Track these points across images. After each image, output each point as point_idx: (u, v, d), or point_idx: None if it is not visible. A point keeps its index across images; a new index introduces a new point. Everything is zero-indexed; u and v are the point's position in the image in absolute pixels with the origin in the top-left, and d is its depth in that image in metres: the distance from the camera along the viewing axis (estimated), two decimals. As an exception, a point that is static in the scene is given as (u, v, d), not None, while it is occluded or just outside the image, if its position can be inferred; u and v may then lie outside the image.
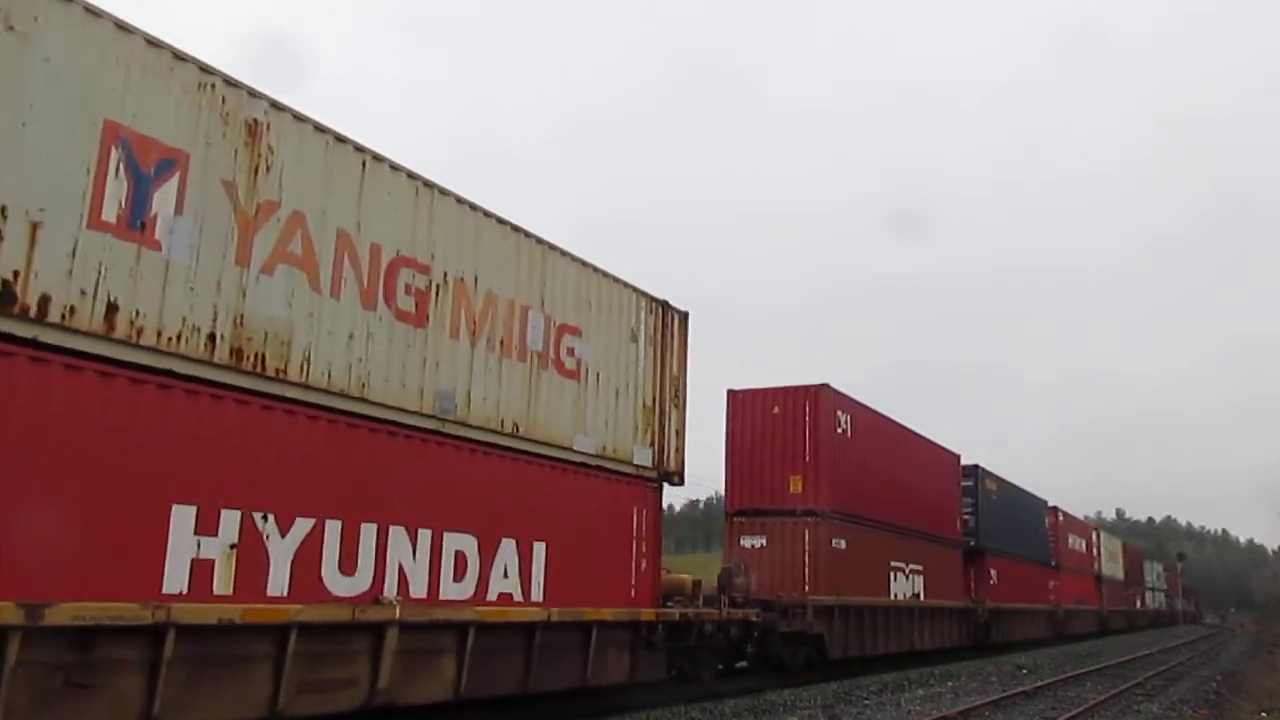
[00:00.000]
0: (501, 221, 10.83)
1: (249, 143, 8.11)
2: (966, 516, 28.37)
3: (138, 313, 7.17)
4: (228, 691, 7.57)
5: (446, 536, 9.72)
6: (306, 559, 8.28)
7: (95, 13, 7.06)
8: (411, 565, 9.32)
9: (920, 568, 23.36)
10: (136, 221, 7.23)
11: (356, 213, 9.05)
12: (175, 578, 7.27)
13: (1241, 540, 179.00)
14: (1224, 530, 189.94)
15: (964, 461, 28.73)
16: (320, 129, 8.75)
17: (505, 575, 10.45)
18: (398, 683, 8.92)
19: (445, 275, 9.99)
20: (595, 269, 12.31)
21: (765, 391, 19.35)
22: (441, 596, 9.58)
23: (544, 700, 11.46)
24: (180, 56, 7.63)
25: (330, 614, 8.25)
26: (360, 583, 8.77)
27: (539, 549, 10.94)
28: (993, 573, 29.75)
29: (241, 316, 7.93)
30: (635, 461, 12.73)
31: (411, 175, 9.70)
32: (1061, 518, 40.36)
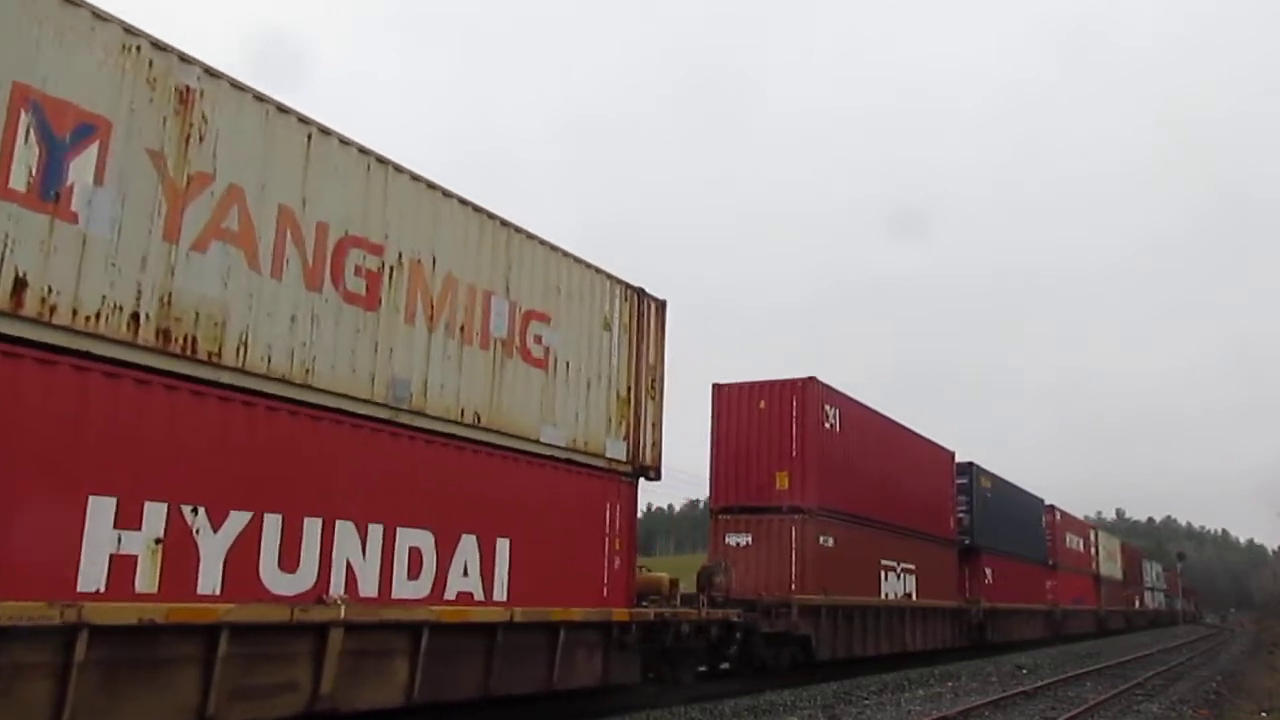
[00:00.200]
0: (463, 202, 10.31)
1: (179, 110, 7.59)
2: (961, 515, 27.84)
3: (50, 289, 6.65)
4: (149, 698, 7.05)
5: (400, 532, 9.19)
6: (242, 555, 7.75)
7: (1, -34, 6.55)
8: (361, 562, 8.79)
9: (913, 567, 22.84)
10: (50, 191, 6.71)
11: (301, 188, 8.52)
12: (91, 575, 6.74)
13: (1241, 540, 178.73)
14: (1224, 530, 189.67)
15: (961, 460, 28.24)
16: (260, 98, 8.23)
17: (465, 573, 9.93)
18: (343, 687, 8.40)
19: (400, 257, 9.47)
20: (565, 254, 11.78)
21: (751, 385, 18.83)
22: (394, 596, 9.06)
23: (545, 701, 11.21)
24: (101, 16, 7.11)
25: (266, 614, 7.72)
26: (303, 581, 8.24)
27: (502, 546, 10.42)
28: (988, 572, 29.23)
29: (170, 295, 7.40)
30: (608, 455, 12.21)
31: (363, 150, 9.18)
32: (1059, 516, 39.81)
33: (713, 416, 18.96)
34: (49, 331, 6.64)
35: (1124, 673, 22.97)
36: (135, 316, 7.15)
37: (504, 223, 10.83)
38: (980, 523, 28.69)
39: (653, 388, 13.23)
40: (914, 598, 22.83)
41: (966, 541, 27.88)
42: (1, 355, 6.37)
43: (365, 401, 8.95)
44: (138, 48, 7.33)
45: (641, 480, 12.98)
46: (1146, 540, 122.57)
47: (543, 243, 11.40)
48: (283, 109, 8.42)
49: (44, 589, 6.45)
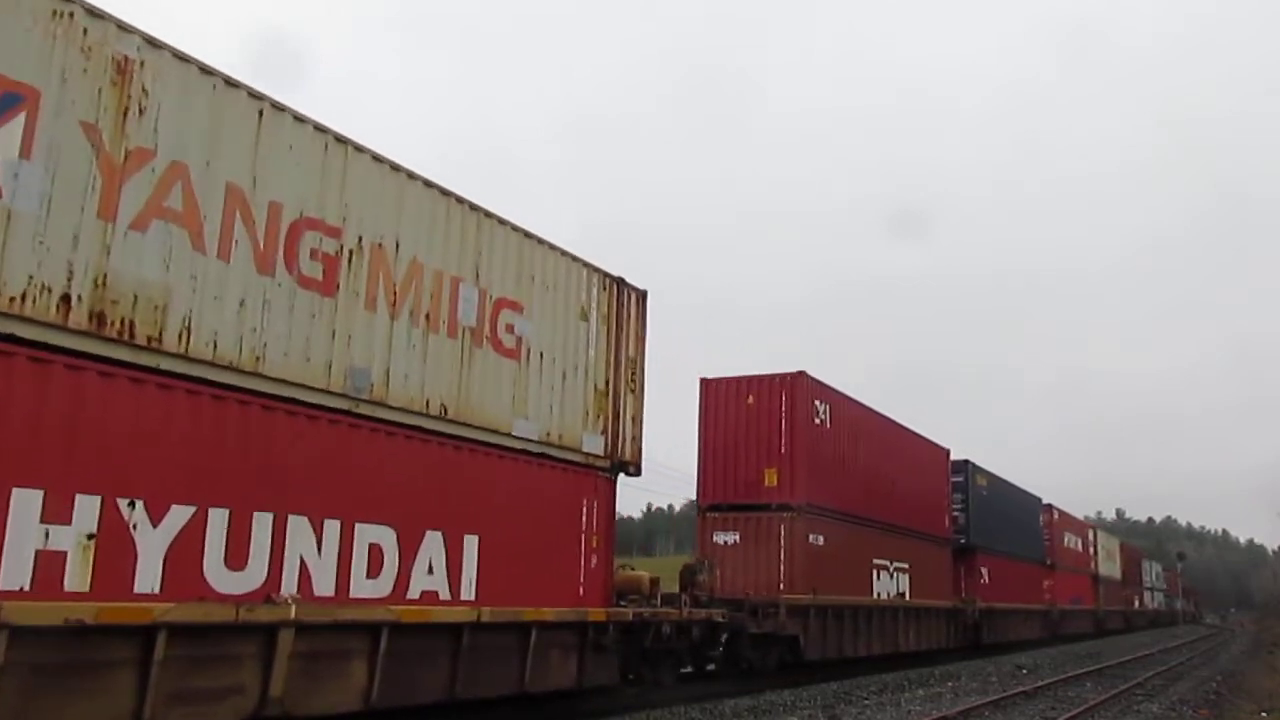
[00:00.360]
0: (429, 184, 9.90)
1: (117, 81, 7.17)
2: (956, 513, 27.44)
3: (-32, 268, 6.24)
4: (82, 703, 6.63)
5: (359, 528, 8.78)
6: (184, 552, 7.34)
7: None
8: (316, 560, 8.37)
9: (906, 566, 22.42)
10: (-31, 164, 6.30)
11: (251, 166, 8.10)
12: (15, 572, 6.32)
13: (1241, 540, 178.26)
14: (1224, 530, 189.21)
15: (957, 457, 27.83)
16: (207, 70, 7.81)
17: (430, 571, 9.51)
18: (295, 690, 7.97)
19: (360, 240, 9.05)
20: (540, 240, 11.37)
21: (739, 380, 18.42)
22: (352, 595, 8.64)
23: (544, 701, 10.97)
24: (29, -21, 6.70)
25: (208, 614, 7.30)
26: (251, 579, 7.82)
27: (470, 543, 10.01)
28: (984, 571, 28.82)
29: (105, 277, 6.99)
30: (585, 449, 11.79)
31: (320, 128, 8.76)
32: (1057, 515, 39.38)
33: (700, 412, 18.56)
34: (-32, 313, 6.23)
35: (1124, 673, 22.91)
36: (66, 298, 6.74)
37: (473, 207, 10.41)
38: (976, 521, 28.29)
39: (633, 380, 12.81)
40: (907, 597, 22.42)
41: (962, 540, 27.48)
42: (-88, 337, 5.96)
43: (321, 391, 8.53)
44: (70, 14, 6.92)
45: (622, 476, 12.59)
46: (1146, 540, 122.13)
47: (515, 228, 10.99)
48: (231, 83, 8.00)
49: (-39, 587, 6.05)
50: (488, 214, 10.60)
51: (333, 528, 8.55)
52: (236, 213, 7.96)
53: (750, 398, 18.11)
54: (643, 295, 13.16)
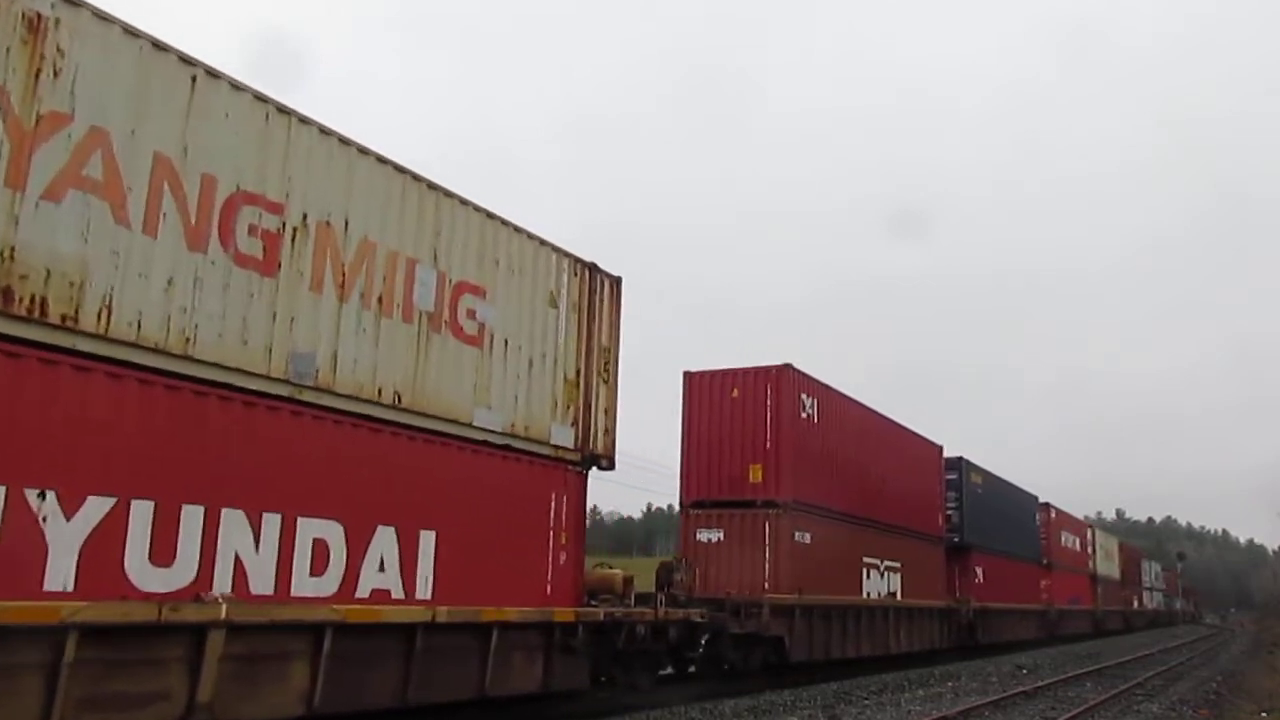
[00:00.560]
0: (383, 160, 9.38)
1: (28, 40, 6.66)
2: (950, 511, 26.92)
3: None
4: (-21, 709, 6.13)
5: (301, 523, 8.26)
6: (102, 546, 6.82)
7: None
8: (253, 556, 7.86)
9: (897, 565, 21.90)
10: None
11: (182, 136, 7.58)
12: (-96, 568, 5.83)
13: (1241, 540, 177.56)
14: (1224, 530, 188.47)
15: (951, 454, 27.30)
16: (131, 32, 7.29)
17: (381, 569, 9.00)
18: (226, 695, 7.45)
19: (305, 218, 8.53)
20: (504, 222, 10.85)
21: (724, 373, 17.89)
22: (294, 593, 8.12)
23: (546, 702, 10.73)
24: (-73, -73, 6.20)
25: (126, 613, 6.78)
26: (179, 576, 7.31)
27: (427, 539, 9.49)
28: (979, 571, 28.30)
29: (12, 250, 6.47)
30: (553, 442, 11.28)
31: (261, 97, 8.25)
32: (1054, 514, 38.86)
33: (684, 406, 18.03)
34: None
35: (1124, 673, 22.80)
36: (-34, 272, 6.23)
37: (431, 185, 9.89)
38: (971, 520, 27.76)
39: (606, 370, 12.30)
40: (899, 597, 21.89)
41: (956, 539, 26.94)
42: None
43: (260, 377, 8.02)
44: (-26, -34, 6.41)
45: (610, 472, 12.17)
46: (1146, 540, 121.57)
47: (478, 209, 10.47)
48: (160, 45, 7.48)
49: None
50: (447, 193, 10.08)
51: (273, 522, 8.03)
52: (165, 184, 7.44)
53: (735, 391, 17.59)
54: (617, 281, 12.64)
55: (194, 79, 7.72)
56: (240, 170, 8.00)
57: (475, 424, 10.15)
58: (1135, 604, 59.87)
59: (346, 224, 8.92)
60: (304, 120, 8.60)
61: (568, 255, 11.83)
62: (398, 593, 9.13)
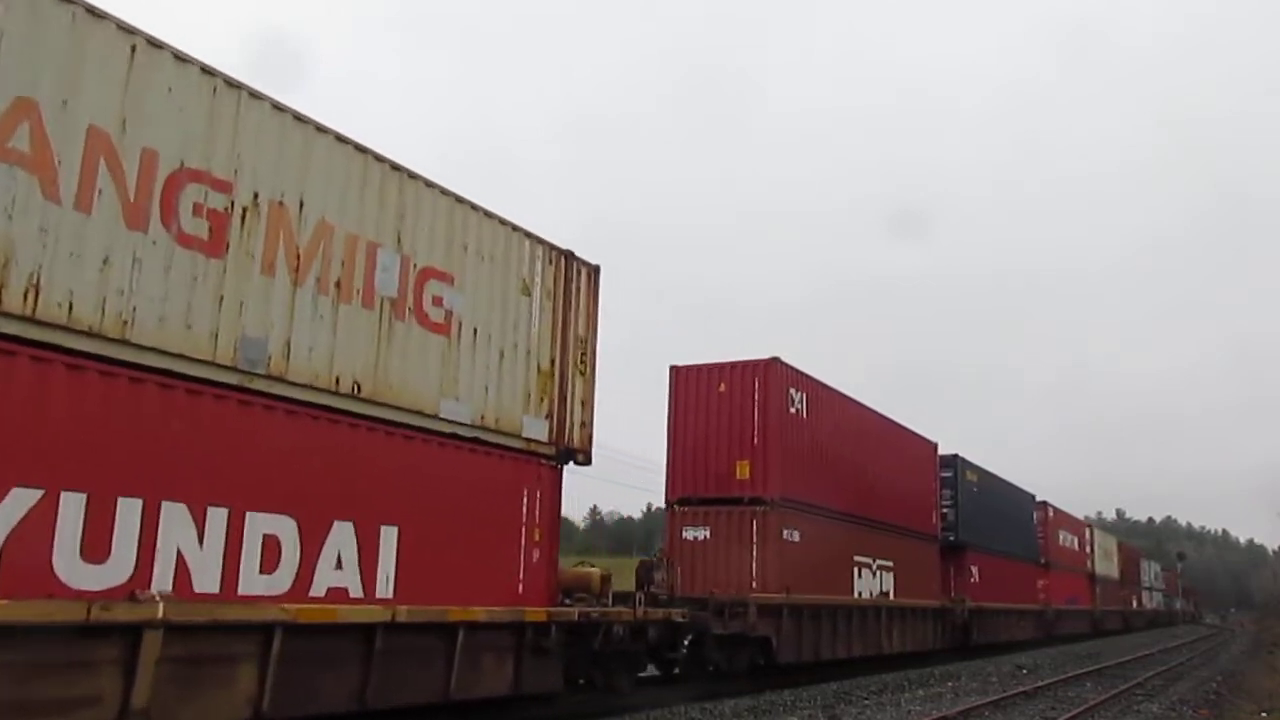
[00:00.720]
0: (342, 139, 8.97)
1: (-54, 4, 6.26)
2: (945, 510, 26.50)
3: None
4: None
5: (250, 518, 7.84)
6: (26, 541, 6.40)
7: None
8: (196, 552, 7.44)
9: (890, 564, 21.49)
10: None
11: (120, 109, 7.17)
12: None
13: (1241, 540, 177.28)
14: (1224, 530, 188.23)
15: (950, 453, 26.89)
16: (65, -2, 6.89)
17: (339, 566, 8.59)
18: (164, 700, 7.03)
19: (255, 197, 8.12)
20: (474, 206, 10.43)
21: (711, 367, 17.48)
22: (241, 591, 7.71)
23: (530, 704, 10.52)
24: None
25: (48, 613, 6.36)
26: (114, 573, 6.89)
27: (388, 535, 9.08)
28: (974, 570, 27.89)
29: (-73, 225, 6.08)
30: (525, 435, 10.86)
31: (208, 70, 7.82)
32: (1052, 513, 38.45)
33: (670, 401, 17.62)
34: None
35: (1124, 673, 22.65)
36: (-126, 247, 5.82)
37: (395, 166, 9.48)
38: (966, 518, 27.36)
39: (582, 361, 11.89)
40: (891, 597, 21.49)
41: (951, 538, 26.55)
42: None
43: (205, 363, 7.60)
44: (-115, -79, 6.00)
45: (570, 465, 11.67)
46: (1146, 540, 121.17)
47: (445, 192, 10.06)
48: (95, 13, 7.06)
49: None
50: (412, 175, 9.67)
51: (218, 516, 7.62)
52: (101, 159, 7.03)
53: (722, 385, 17.19)
54: (594, 270, 12.23)
55: (133, 48, 7.30)
56: (185, 146, 7.58)
57: (442, 415, 9.74)
58: (1134, 604, 59.48)
59: (302, 204, 8.50)
60: (255, 94, 8.19)
61: (542, 242, 11.42)
62: (356, 591, 8.71)
